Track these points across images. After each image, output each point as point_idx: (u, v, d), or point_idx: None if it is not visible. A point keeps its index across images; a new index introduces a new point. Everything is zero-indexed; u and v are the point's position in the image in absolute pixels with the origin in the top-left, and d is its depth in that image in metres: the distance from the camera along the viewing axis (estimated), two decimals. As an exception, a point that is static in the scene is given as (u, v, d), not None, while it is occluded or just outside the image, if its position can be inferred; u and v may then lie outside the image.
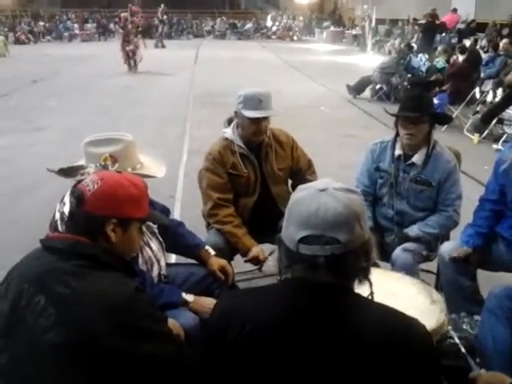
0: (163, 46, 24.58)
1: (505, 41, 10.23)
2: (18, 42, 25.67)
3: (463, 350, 2.00)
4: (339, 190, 1.27)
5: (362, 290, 1.33)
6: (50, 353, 1.35)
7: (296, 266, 1.28)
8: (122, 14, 15.27)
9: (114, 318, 1.35)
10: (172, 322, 1.89)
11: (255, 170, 3.00)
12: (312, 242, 1.23)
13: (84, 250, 1.47)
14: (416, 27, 20.33)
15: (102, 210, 1.51)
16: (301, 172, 3.13)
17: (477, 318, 2.45)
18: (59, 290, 1.38)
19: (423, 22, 17.57)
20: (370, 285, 1.33)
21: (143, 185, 1.65)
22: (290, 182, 3.22)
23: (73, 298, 1.37)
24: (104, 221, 1.51)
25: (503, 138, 7.23)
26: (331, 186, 1.28)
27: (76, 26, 30.26)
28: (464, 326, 2.41)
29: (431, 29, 16.10)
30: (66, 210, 1.70)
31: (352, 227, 1.24)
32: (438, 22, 16.60)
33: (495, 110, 7.58)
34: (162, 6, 27.65)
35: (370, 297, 1.34)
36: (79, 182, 1.60)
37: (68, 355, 1.34)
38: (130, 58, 14.77)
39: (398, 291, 2.17)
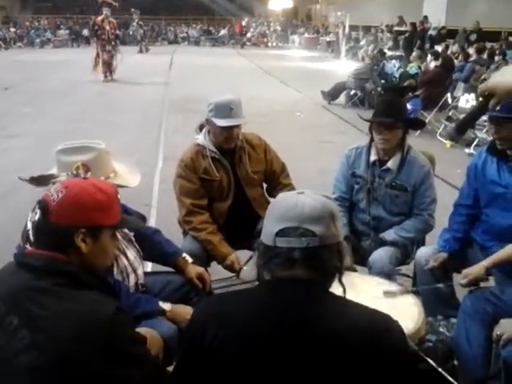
0: (147, 50, 24.52)
1: (474, 46, 10.51)
2: (-12, 48, 25.27)
3: (429, 360, 2.02)
4: (316, 194, 1.35)
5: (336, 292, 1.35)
6: (22, 376, 1.29)
7: (273, 262, 1.30)
8: (98, 18, 14.22)
9: (92, 341, 1.29)
10: (150, 332, 1.86)
11: (228, 173, 2.99)
12: (288, 233, 1.28)
13: (60, 268, 1.40)
14: (389, 34, 20.68)
15: (68, 219, 1.42)
16: (275, 175, 3.14)
17: (453, 320, 2.48)
18: (34, 310, 1.32)
19: (406, 29, 18.17)
20: (344, 290, 1.36)
21: (112, 190, 1.57)
22: (264, 186, 3.22)
23: (48, 319, 1.30)
24: (72, 231, 1.43)
25: (475, 143, 7.36)
26: (308, 191, 1.36)
27: (48, 32, 29.89)
28: (441, 329, 2.43)
29: (422, 35, 16.74)
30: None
31: (327, 223, 1.29)
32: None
33: (469, 120, 7.71)
34: (132, 9, 26.80)
35: None
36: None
37: (42, 378, 1.28)
38: (108, 67, 14.19)
39: (374, 295, 2.19)
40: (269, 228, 1.32)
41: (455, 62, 10.91)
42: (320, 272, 1.29)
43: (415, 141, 4.01)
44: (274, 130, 7.22)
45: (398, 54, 15.15)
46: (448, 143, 7.80)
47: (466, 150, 7.38)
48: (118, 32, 14.86)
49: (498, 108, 2.32)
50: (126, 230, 2.29)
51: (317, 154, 7.18)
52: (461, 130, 7.61)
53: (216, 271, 3.08)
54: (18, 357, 1.30)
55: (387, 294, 2.25)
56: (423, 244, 3.07)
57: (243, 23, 34.03)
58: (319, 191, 1.38)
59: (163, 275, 2.56)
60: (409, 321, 2.01)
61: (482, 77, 8.36)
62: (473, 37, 15.27)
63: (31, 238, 1.93)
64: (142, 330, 1.78)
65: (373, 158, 2.94)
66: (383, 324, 1.27)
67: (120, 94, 12.60)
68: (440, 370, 1.97)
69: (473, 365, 2.31)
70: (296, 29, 33.10)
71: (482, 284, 2.48)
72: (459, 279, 2.47)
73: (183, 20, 35.81)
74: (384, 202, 2.93)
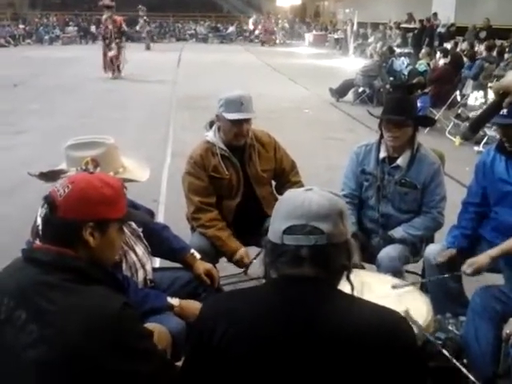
0: (149, 47, 24.46)
1: (484, 44, 10.45)
2: (-2, 45, 25.32)
3: (446, 352, 2.01)
4: (324, 190, 1.34)
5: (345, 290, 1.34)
6: (30, 370, 1.29)
7: (280, 260, 1.29)
8: (104, 17, 14.55)
9: (100, 336, 1.30)
10: (158, 327, 1.87)
11: (237, 171, 2.98)
12: (296, 231, 1.27)
13: (68, 263, 1.40)
14: (397, 31, 20.60)
15: (75, 214, 1.42)
16: (284, 173, 3.13)
17: (462, 318, 2.47)
18: (42, 305, 1.32)
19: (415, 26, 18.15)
20: (352, 287, 1.35)
21: (118, 184, 1.57)
22: (273, 183, 3.21)
23: (56, 314, 1.31)
24: (80, 225, 1.43)
25: (484, 140, 7.30)
26: (316, 188, 1.34)
27: (57, 29, 29.98)
28: (450, 327, 2.42)
29: (431, 32, 16.70)
30: None
31: (335, 220, 1.28)
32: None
33: (483, 118, 7.64)
34: (139, 6, 26.78)
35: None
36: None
37: (50, 373, 1.28)
38: (113, 64, 14.25)
39: (384, 293, 2.18)
40: (276, 226, 1.31)
41: (464, 59, 10.85)
42: (328, 270, 1.29)
43: (424, 138, 3.97)
44: (281, 127, 7.21)
45: (406, 51, 15.09)
46: (457, 141, 7.75)
47: (475, 148, 7.33)
48: (124, 28, 14.86)
49: (504, 112, 2.32)
50: (134, 226, 2.29)
51: (324, 151, 7.16)
52: (475, 129, 7.56)
53: (224, 267, 3.08)
54: (26, 351, 1.30)
55: (395, 287, 2.27)
56: (432, 242, 3.05)
57: (251, 20, 33.93)
58: (327, 187, 1.37)
59: (171, 271, 2.56)
60: (417, 318, 2.00)
61: (495, 73, 8.30)
62: (482, 34, 15.16)
63: (40, 233, 1.93)
64: (150, 325, 1.78)
65: (382, 154, 2.92)
66: (391, 321, 1.26)
67: (128, 90, 12.61)
68: (455, 362, 1.96)
69: (482, 363, 2.30)
70: (309, 26, 32.94)
71: (489, 275, 2.47)
72: (465, 268, 2.47)
73: (191, 17, 35.79)
74: (393, 199, 2.92)
